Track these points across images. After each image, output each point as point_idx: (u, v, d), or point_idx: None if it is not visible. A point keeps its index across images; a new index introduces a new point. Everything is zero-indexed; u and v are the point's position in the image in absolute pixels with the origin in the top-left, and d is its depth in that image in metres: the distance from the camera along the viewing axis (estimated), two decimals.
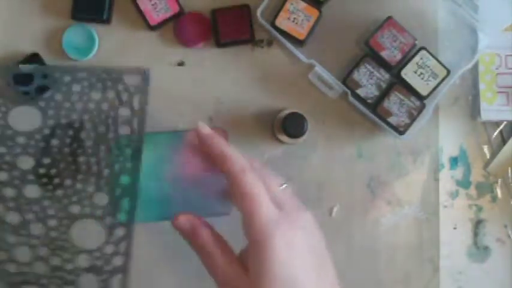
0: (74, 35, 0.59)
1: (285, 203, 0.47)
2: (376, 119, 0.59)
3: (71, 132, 0.55)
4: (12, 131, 0.55)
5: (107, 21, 0.59)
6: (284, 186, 0.50)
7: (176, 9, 0.59)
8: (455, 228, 0.62)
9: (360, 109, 0.59)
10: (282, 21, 0.59)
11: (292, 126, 0.56)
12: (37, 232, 0.55)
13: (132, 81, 0.57)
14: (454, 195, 0.62)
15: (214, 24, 0.59)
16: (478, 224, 0.62)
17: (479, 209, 0.62)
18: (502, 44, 0.62)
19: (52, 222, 0.55)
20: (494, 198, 0.62)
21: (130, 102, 0.56)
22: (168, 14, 0.59)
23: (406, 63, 0.59)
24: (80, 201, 0.56)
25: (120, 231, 0.56)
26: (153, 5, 0.58)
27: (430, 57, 0.59)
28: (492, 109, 0.61)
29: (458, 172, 0.62)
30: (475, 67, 0.61)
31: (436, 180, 0.62)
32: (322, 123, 0.61)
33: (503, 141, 0.63)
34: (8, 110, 0.55)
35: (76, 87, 0.56)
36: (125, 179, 0.55)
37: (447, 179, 0.62)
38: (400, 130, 0.59)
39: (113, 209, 0.56)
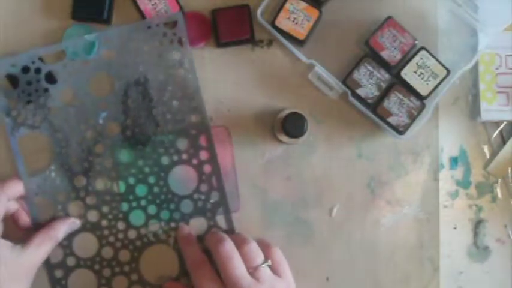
0: (74, 35, 0.59)
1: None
2: (376, 119, 0.59)
3: (140, 89, 0.58)
4: (95, 98, 0.58)
5: (107, 21, 0.59)
6: (265, 264, 0.53)
7: (176, 9, 0.59)
8: (455, 228, 0.62)
9: (360, 109, 0.59)
10: (282, 21, 0.59)
11: (292, 126, 0.56)
12: (142, 193, 0.58)
13: (170, 25, 0.59)
14: (454, 195, 0.62)
15: (214, 24, 0.59)
16: (478, 224, 0.62)
17: (479, 209, 0.62)
18: (502, 44, 0.62)
19: (152, 179, 0.58)
20: (494, 198, 0.62)
21: (176, 45, 0.59)
22: None
23: (406, 63, 0.59)
24: (166, 151, 0.58)
25: (207, 168, 0.59)
26: (153, 5, 0.58)
27: (430, 57, 0.59)
28: (492, 109, 0.61)
29: (458, 172, 0.62)
30: (475, 67, 0.61)
31: (436, 180, 0.62)
32: (322, 123, 0.61)
33: (503, 141, 0.63)
34: (89, 79, 0.58)
35: (133, 44, 0.59)
36: (194, 117, 0.59)
37: (447, 179, 0.62)
38: (400, 130, 0.59)
39: (193, 148, 0.59)
